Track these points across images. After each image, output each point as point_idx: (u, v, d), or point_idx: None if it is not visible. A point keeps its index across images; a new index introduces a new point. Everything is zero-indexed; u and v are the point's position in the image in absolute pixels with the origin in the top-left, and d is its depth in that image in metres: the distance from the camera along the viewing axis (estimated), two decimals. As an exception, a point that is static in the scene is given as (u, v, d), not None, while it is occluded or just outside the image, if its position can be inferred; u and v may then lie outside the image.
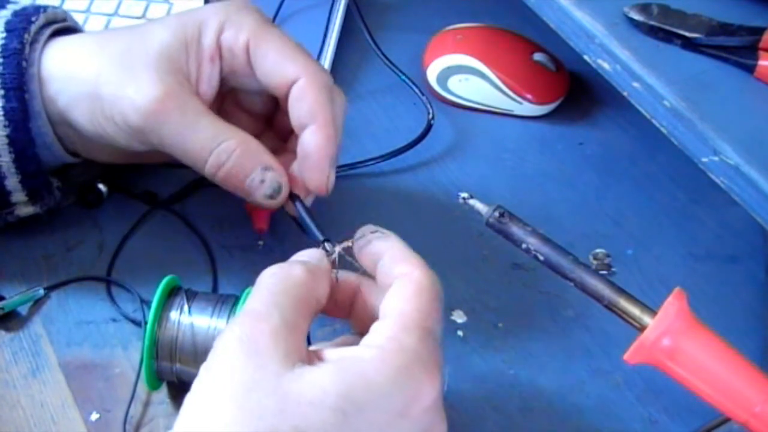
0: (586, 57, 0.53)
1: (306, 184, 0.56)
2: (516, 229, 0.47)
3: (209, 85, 0.56)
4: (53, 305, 0.59)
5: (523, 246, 0.47)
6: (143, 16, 0.75)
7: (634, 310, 0.45)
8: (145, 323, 0.52)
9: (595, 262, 0.64)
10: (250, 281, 0.60)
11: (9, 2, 0.59)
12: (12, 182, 0.57)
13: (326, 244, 0.50)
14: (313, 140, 0.55)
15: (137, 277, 0.61)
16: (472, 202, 0.49)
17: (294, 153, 0.57)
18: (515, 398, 0.57)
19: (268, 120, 0.62)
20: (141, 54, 0.54)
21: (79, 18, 0.72)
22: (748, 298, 0.63)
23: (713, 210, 0.68)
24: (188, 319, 0.52)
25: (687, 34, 0.50)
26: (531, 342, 0.60)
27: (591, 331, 0.60)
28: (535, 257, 0.47)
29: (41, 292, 0.59)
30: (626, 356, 0.46)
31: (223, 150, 0.54)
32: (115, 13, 0.76)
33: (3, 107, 0.54)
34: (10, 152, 0.55)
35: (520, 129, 0.74)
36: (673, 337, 0.44)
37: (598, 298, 0.46)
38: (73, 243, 0.63)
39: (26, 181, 0.57)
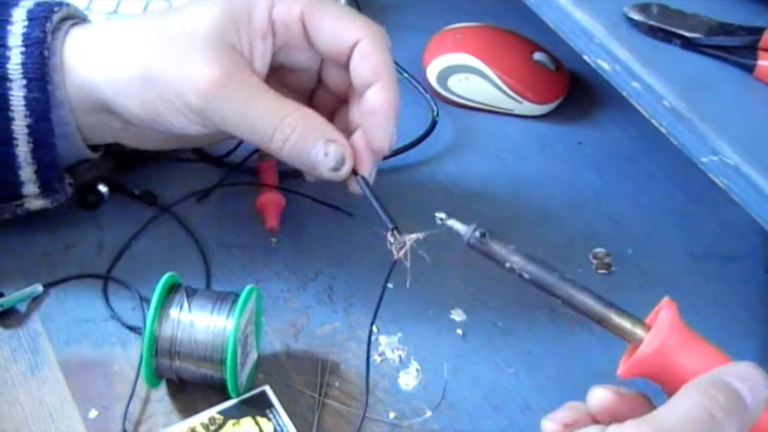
0: (585, 57, 0.53)
1: (370, 142, 0.55)
2: (498, 248, 0.46)
3: (262, 62, 0.56)
4: (52, 303, 0.59)
5: (507, 265, 0.46)
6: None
7: (626, 324, 0.45)
8: (145, 321, 0.52)
9: (594, 262, 0.64)
10: (250, 279, 0.61)
11: None
12: (26, 173, 0.57)
13: (395, 231, 0.49)
14: (380, 97, 0.55)
15: (136, 275, 0.61)
16: (450, 222, 0.48)
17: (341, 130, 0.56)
18: (515, 397, 0.57)
19: (310, 99, 0.62)
20: (192, 35, 0.54)
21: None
22: (748, 297, 0.63)
23: (713, 210, 0.68)
24: (188, 317, 0.52)
25: (687, 33, 0.50)
26: (531, 341, 0.60)
27: (591, 330, 0.60)
28: (520, 276, 0.46)
29: (40, 289, 0.59)
30: (620, 371, 0.46)
31: (287, 124, 0.53)
32: (115, 11, 0.76)
33: (25, 97, 0.54)
34: (29, 142, 0.55)
35: (520, 128, 0.74)
36: (667, 351, 0.44)
37: (588, 314, 0.46)
38: (72, 241, 0.63)
39: (41, 172, 0.57)
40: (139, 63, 0.54)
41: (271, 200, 0.64)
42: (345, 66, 0.56)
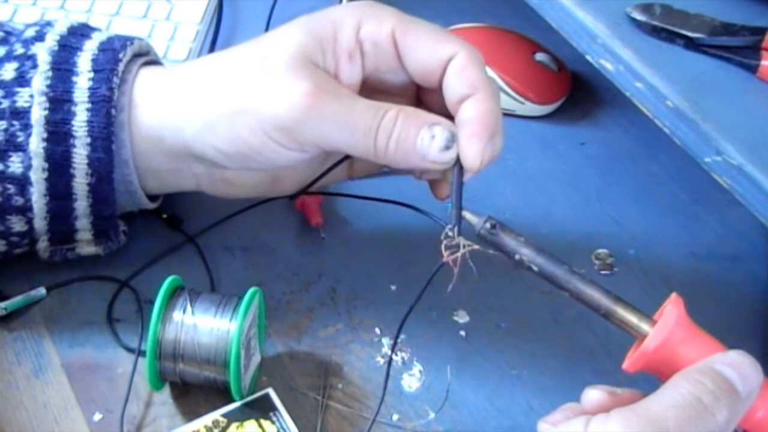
0: (588, 57, 0.53)
1: (461, 156, 0.52)
2: (509, 240, 0.47)
3: (349, 82, 0.54)
4: (56, 306, 0.59)
5: (516, 257, 0.47)
6: (145, 16, 0.75)
7: (632, 319, 0.45)
8: (148, 324, 0.52)
9: (597, 262, 0.64)
10: (252, 282, 0.60)
11: (94, 30, 0.58)
12: (82, 223, 0.56)
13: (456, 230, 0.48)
14: (475, 108, 0.52)
15: (140, 278, 0.61)
16: (461, 214, 0.49)
17: None
18: (518, 399, 0.57)
19: None
20: (278, 57, 0.52)
21: (80, 19, 0.72)
22: (750, 298, 0.63)
23: (715, 210, 0.68)
24: (191, 320, 0.52)
25: (689, 34, 0.50)
26: (533, 342, 0.60)
27: (593, 331, 0.60)
28: (529, 268, 0.47)
29: (43, 292, 0.59)
30: (625, 365, 0.46)
31: (389, 119, 0.51)
32: (117, 14, 0.75)
33: (88, 156, 0.54)
34: (88, 197, 0.55)
35: (522, 129, 0.74)
36: (672, 346, 0.44)
37: (594, 307, 0.46)
38: (75, 243, 0.63)
39: (97, 223, 0.57)
40: (223, 97, 0.53)
41: (310, 198, 0.64)
42: (437, 88, 0.54)
